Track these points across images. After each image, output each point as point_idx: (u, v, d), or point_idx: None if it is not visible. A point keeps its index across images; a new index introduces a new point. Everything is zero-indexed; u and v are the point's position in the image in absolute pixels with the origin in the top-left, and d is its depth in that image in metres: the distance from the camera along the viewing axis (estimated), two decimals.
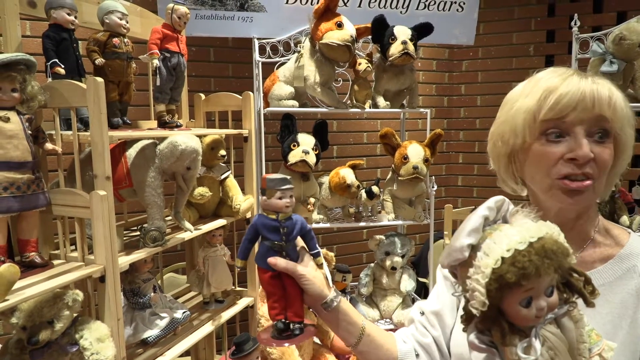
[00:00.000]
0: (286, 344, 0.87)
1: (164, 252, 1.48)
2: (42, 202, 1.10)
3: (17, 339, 1.08)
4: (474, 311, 0.70)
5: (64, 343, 1.09)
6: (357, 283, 2.31)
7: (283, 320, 0.88)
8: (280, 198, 0.84)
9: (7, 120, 1.02)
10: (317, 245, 0.91)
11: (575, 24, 2.24)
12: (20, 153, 1.04)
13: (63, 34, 1.23)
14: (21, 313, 1.02)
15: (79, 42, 1.28)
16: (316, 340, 1.90)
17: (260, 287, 1.77)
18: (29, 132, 1.07)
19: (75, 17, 1.25)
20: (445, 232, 2.42)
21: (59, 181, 1.22)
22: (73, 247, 1.23)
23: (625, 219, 2.06)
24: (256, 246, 0.91)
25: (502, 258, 0.67)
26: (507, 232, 0.71)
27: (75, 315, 1.12)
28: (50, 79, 1.20)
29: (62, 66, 1.21)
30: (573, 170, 0.81)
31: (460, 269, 0.74)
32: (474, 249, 0.72)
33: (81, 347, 1.08)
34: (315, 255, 0.91)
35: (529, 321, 0.71)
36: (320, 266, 0.91)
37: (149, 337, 1.38)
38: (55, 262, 1.18)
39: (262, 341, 0.90)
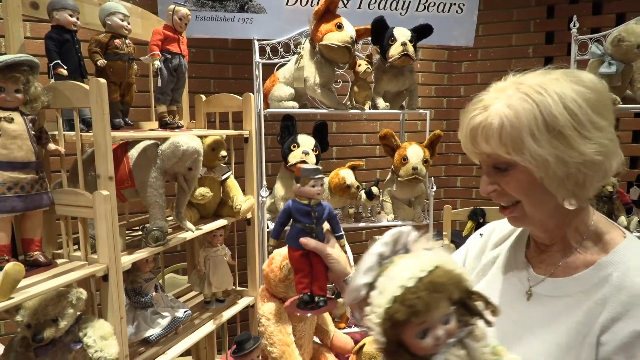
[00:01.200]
0: (309, 314, 0.97)
1: (165, 252, 1.49)
2: (45, 202, 1.11)
3: (21, 336, 1.09)
4: (372, 348, 0.71)
5: (67, 341, 1.10)
6: None
7: (309, 293, 0.97)
8: (313, 186, 0.94)
9: (10, 120, 1.03)
10: (341, 229, 1.01)
11: (574, 26, 2.25)
12: (23, 153, 1.05)
13: (65, 35, 1.24)
14: (26, 311, 1.04)
15: (81, 43, 1.29)
16: (316, 339, 1.91)
17: (261, 286, 1.78)
18: (33, 132, 1.08)
19: (77, 19, 1.26)
20: (444, 233, 2.43)
21: (62, 181, 1.23)
22: (76, 247, 1.24)
23: (623, 219, 2.07)
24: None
25: (394, 297, 0.69)
26: (401, 266, 0.73)
27: (78, 313, 1.13)
28: (52, 80, 1.21)
29: (65, 67, 1.22)
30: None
31: (362, 306, 0.76)
32: (372, 286, 0.74)
33: (85, 344, 1.09)
34: (339, 238, 1.00)
35: (429, 350, 0.72)
36: (343, 247, 1.00)
37: (150, 335, 1.39)
38: (59, 261, 1.19)
39: (288, 311, 0.99)
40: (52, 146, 1.16)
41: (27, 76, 1.06)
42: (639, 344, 0.71)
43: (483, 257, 1.00)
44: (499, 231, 1.02)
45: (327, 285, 1.00)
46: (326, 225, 1.00)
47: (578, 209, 0.81)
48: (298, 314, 1.01)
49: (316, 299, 0.97)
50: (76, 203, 1.16)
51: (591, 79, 0.78)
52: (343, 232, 1.01)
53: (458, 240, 2.63)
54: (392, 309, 0.68)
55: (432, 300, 0.68)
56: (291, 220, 0.97)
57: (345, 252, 1.00)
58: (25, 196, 1.05)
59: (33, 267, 1.09)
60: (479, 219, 2.40)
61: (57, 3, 1.22)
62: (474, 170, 3.33)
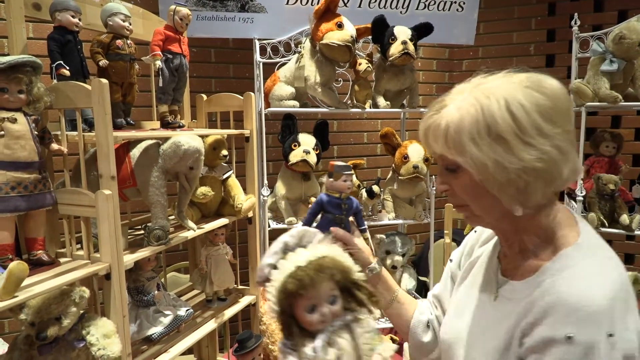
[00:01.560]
0: None
1: (166, 251, 1.50)
2: (48, 201, 1.12)
3: (25, 334, 1.11)
4: (269, 317, 0.82)
5: (71, 339, 1.11)
6: None
7: None
8: (344, 181, 1.03)
9: (14, 121, 1.04)
10: (365, 223, 1.10)
11: (575, 23, 2.25)
12: (27, 153, 1.06)
13: (67, 36, 1.25)
14: (30, 309, 1.05)
15: (83, 43, 1.30)
16: None
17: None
18: (36, 132, 1.10)
19: (80, 20, 1.27)
20: (445, 232, 2.43)
21: (65, 181, 1.24)
22: (79, 246, 1.25)
23: (625, 217, 2.07)
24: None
25: (290, 273, 0.85)
26: (299, 253, 0.89)
27: (81, 312, 1.14)
28: (55, 81, 1.22)
29: (67, 68, 1.23)
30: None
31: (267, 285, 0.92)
32: (275, 266, 0.89)
33: (88, 342, 1.11)
34: (363, 231, 1.09)
35: (315, 325, 0.86)
36: (366, 240, 1.09)
37: (153, 334, 1.40)
38: (62, 260, 1.20)
39: None
40: (54, 146, 1.17)
41: (30, 77, 1.07)
42: (547, 350, 0.71)
43: (473, 254, 1.02)
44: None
45: None
46: (351, 218, 1.09)
47: (533, 212, 0.79)
48: None
49: None
50: (79, 202, 1.17)
51: (551, 85, 0.77)
52: (367, 227, 1.10)
53: (459, 238, 2.63)
54: (286, 282, 0.85)
55: (317, 277, 0.85)
56: (320, 212, 1.06)
57: (368, 244, 1.09)
58: (28, 196, 1.06)
59: (36, 266, 1.11)
60: None
61: (59, 4, 1.23)
62: None
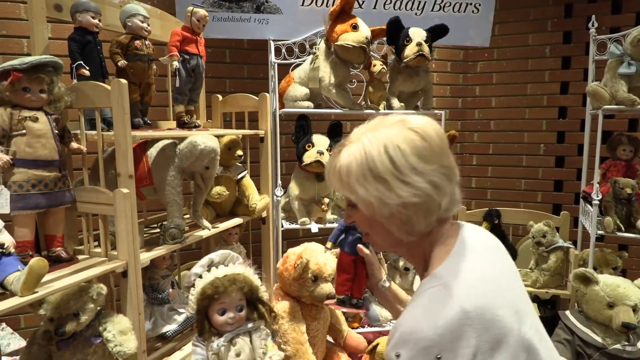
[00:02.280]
0: (344, 310, 1.17)
1: (181, 250, 1.51)
2: (67, 199, 1.14)
3: (44, 330, 1.13)
4: (188, 313, 1.20)
5: (88, 335, 1.13)
6: None
7: (349, 295, 1.15)
8: None
9: (35, 120, 1.07)
10: None
11: (592, 25, 2.22)
12: (47, 152, 1.08)
13: (88, 37, 1.27)
14: (49, 305, 1.07)
15: (102, 44, 1.32)
16: (329, 339, 1.92)
17: (276, 284, 1.80)
18: (56, 131, 1.11)
19: (99, 21, 1.29)
20: None
21: (84, 179, 1.26)
22: (96, 243, 1.27)
23: None
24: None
25: (209, 281, 1.16)
26: (220, 269, 1.20)
27: (99, 308, 1.16)
28: (75, 81, 1.24)
29: (87, 68, 1.25)
30: None
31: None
32: (200, 276, 1.20)
33: (105, 339, 1.12)
34: (377, 252, 1.18)
35: (223, 326, 1.17)
36: (380, 260, 1.18)
37: (167, 331, 1.42)
38: (80, 257, 1.22)
39: (329, 305, 1.26)
40: (74, 145, 1.19)
41: (51, 77, 1.09)
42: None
43: None
44: None
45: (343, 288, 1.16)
46: None
47: (417, 239, 0.87)
48: (336, 308, 1.27)
49: (353, 301, 1.14)
50: (97, 200, 1.19)
51: (429, 128, 0.85)
52: None
53: None
54: (205, 287, 1.15)
55: (230, 287, 1.15)
56: (349, 230, 1.13)
57: (380, 262, 1.17)
58: (48, 193, 1.08)
59: (55, 262, 1.13)
60: (493, 220, 2.38)
61: (80, 5, 1.25)
62: (488, 171, 3.30)
